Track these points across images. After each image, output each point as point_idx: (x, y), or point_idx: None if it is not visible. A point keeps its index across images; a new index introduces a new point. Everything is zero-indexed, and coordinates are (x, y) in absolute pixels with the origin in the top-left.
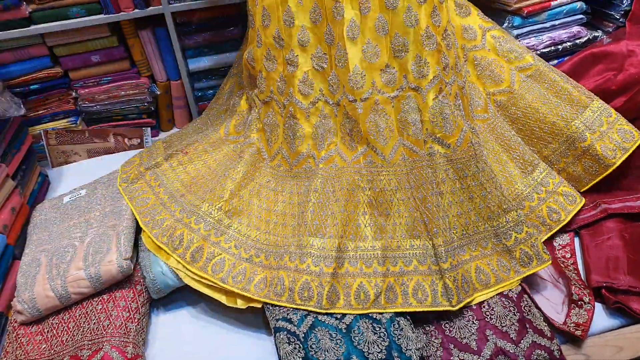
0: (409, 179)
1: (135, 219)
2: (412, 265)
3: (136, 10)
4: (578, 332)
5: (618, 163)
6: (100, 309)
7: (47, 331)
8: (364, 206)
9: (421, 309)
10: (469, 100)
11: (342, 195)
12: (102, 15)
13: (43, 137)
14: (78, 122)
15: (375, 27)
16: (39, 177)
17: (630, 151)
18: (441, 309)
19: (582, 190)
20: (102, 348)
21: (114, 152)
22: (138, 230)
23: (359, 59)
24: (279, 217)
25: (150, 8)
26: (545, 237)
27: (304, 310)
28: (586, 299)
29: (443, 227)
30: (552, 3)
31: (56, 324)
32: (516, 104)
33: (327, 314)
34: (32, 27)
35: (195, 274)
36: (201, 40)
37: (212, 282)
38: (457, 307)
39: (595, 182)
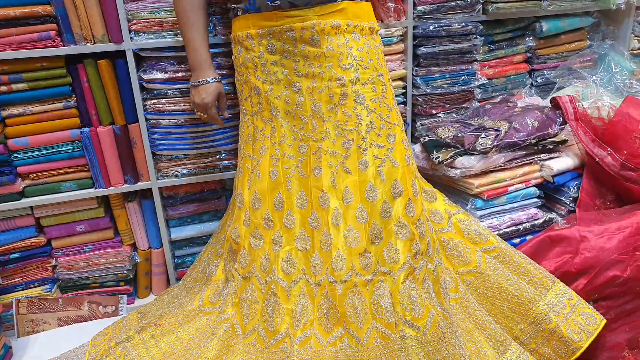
0: None
1: None
2: None
3: (125, 185)
4: None
5: (585, 346)
6: None
7: None
8: None
9: None
10: (440, 282)
11: None
12: (92, 190)
13: (14, 307)
14: (53, 290)
15: (356, 215)
16: (2, 350)
17: (595, 334)
18: None
19: None
20: None
21: (86, 321)
22: None
23: (341, 243)
24: None
25: (139, 183)
26: None
27: None
28: None
29: None
30: (509, 188)
31: None
32: (484, 284)
33: None
34: (23, 200)
35: None
36: (185, 212)
37: None
38: None
39: None
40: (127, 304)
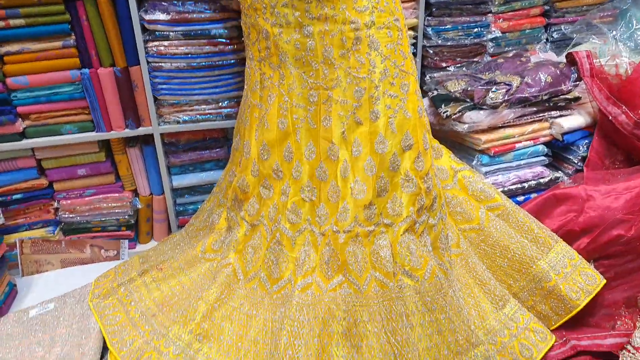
0: (381, 310)
1: (103, 338)
2: None
3: (127, 130)
4: None
5: (582, 305)
6: None
7: None
8: (338, 336)
9: None
10: (440, 237)
11: (317, 324)
12: (93, 133)
13: (17, 246)
14: (55, 232)
15: (364, 168)
16: (7, 287)
17: (594, 294)
18: None
19: (551, 329)
20: None
21: (88, 263)
22: (106, 348)
23: (348, 195)
24: (251, 345)
25: (141, 128)
26: None
27: None
28: None
29: None
30: (517, 145)
31: None
32: (485, 241)
33: None
34: (24, 141)
35: None
36: (187, 159)
37: None
38: None
39: (563, 321)
40: (129, 249)
